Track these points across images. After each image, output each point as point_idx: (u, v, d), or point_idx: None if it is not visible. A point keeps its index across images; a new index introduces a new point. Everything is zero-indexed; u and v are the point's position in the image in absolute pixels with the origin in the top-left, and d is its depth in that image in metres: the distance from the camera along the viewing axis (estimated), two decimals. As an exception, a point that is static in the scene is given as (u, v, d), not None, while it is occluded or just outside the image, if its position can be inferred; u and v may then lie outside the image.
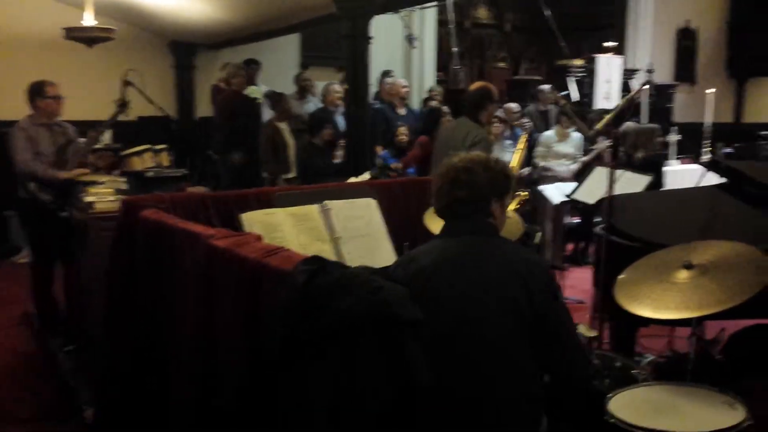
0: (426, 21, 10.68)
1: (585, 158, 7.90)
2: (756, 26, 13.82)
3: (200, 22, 7.97)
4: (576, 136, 7.98)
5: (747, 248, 2.56)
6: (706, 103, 9.82)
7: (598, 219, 7.51)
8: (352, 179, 3.88)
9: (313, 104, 8.52)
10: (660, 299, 2.48)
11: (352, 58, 6.09)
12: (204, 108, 9.50)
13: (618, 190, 4.54)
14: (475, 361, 1.94)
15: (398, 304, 1.51)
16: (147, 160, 5.18)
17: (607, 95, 10.68)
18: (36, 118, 5.04)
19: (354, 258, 2.82)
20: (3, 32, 8.14)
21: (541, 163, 7.57)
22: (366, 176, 3.98)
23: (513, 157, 4.93)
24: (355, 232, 2.92)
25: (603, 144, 8.02)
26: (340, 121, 7.53)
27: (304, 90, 8.36)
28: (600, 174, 4.63)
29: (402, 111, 8.30)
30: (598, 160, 8.07)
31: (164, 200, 2.77)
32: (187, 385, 2.26)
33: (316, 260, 1.62)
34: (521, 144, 4.98)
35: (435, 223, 3.10)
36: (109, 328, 2.91)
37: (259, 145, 7.19)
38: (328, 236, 2.84)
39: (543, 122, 8.71)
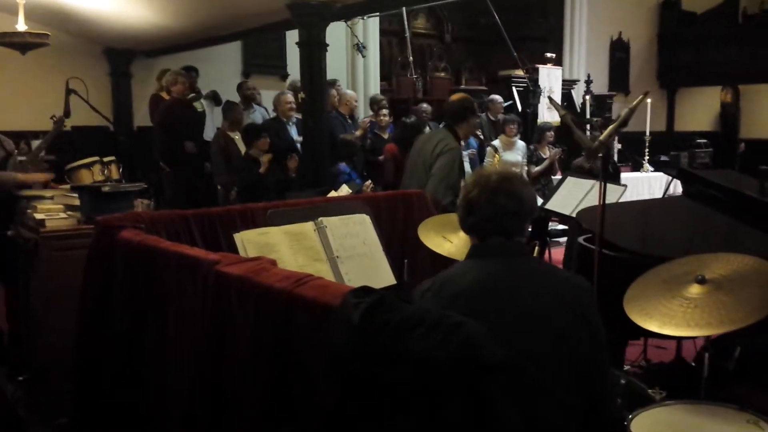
0: (369, 30, 10.56)
1: (539, 168, 7.94)
2: (683, 38, 14.34)
3: (139, 28, 7.62)
4: (521, 144, 8.03)
5: (758, 261, 2.51)
6: (647, 112, 10.03)
7: (559, 227, 7.61)
8: (333, 194, 3.71)
9: (259, 114, 8.28)
10: (675, 315, 2.40)
11: (308, 67, 5.91)
12: (142, 117, 9.11)
13: (590, 201, 4.56)
14: (524, 400, 1.76)
15: (484, 344, 1.29)
16: (96, 172, 4.84)
17: (549, 106, 10.80)
18: (-30, 129, 4.66)
19: (353, 278, 2.65)
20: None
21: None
22: (345, 190, 3.79)
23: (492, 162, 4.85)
24: (353, 250, 2.75)
25: (555, 151, 8.08)
26: (293, 132, 7.33)
27: (248, 99, 8.09)
28: (572, 184, 4.59)
29: (351, 121, 8.16)
30: (549, 170, 8.15)
31: (142, 219, 2.53)
32: (181, 423, 2.04)
33: (367, 291, 1.42)
34: (496, 159, 4.90)
35: (432, 238, 2.97)
36: (81, 359, 2.64)
37: (208, 155, 6.90)
38: (326, 256, 2.66)
39: (494, 132, 8.70)
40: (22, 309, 4.31)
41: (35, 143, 8.10)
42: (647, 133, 10.26)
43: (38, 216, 4.00)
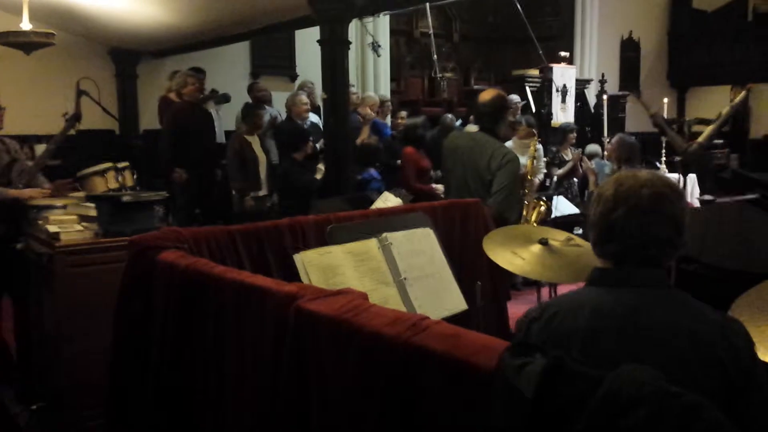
0: (380, 29, 10.26)
1: (562, 170, 7.66)
2: (694, 37, 14.10)
3: (146, 28, 7.30)
4: (539, 147, 7.74)
5: None
6: (663, 113, 9.76)
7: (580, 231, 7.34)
8: (379, 204, 3.39)
9: (269, 115, 7.97)
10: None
11: (330, 66, 5.61)
12: (148, 119, 8.81)
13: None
14: None
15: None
16: (110, 179, 4.53)
17: (564, 106, 10.54)
18: (-26, 134, 4.34)
19: (423, 303, 2.35)
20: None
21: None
22: (392, 200, 3.46)
23: (526, 165, 4.51)
24: (420, 271, 2.45)
25: (577, 155, 7.80)
26: (309, 134, 7.03)
27: (260, 101, 7.78)
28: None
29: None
30: (572, 173, 7.87)
31: (184, 237, 2.22)
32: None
33: (531, 349, 1.08)
34: (532, 150, 4.58)
35: (500, 253, 2.67)
36: (115, 391, 2.33)
37: (223, 160, 6.60)
38: (392, 278, 2.36)
39: (510, 133, 8.42)
40: (34, 328, 3.99)
41: (38, 147, 7.79)
42: (627, 134, 9.97)
43: (51, 228, 3.68)
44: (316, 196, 5.63)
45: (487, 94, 4.14)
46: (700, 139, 2.72)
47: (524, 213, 4.28)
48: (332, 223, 2.57)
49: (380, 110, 8.38)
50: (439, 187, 6.00)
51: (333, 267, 2.23)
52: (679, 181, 5.15)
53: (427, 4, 7.97)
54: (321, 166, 5.80)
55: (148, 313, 2.15)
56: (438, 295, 2.46)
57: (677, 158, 4.52)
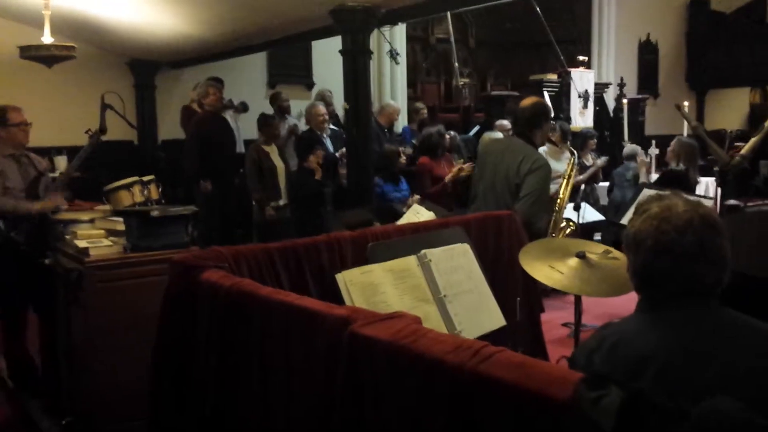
0: (397, 36, 10.24)
1: (583, 176, 7.59)
2: (712, 38, 13.99)
3: (167, 39, 7.32)
4: (566, 154, 7.67)
5: None
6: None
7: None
8: (410, 216, 3.36)
9: (288, 125, 7.97)
10: None
11: (352, 76, 5.59)
12: (167, 130, 8.84)
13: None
14: None
15: None
16: (136, 193, 4.52)
17: (582, 110, 10.48)
18: (1, 147, 4.34)
19: (462, 320, 2.32)
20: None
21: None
22: (424, 213, 3.42)
23: (561, 184, 4.44)
24: (459, 287, 2.41)
25: (601, 161, 7.75)
26: (328, 144, 7.01)
27: (284, 111, 7.77)
28: (647, 196, 4.22)
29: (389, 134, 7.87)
30: (594, 177, 7.80)
31: (224, 257, 2.19)
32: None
33: (606, 382, 1.04)
34: (569, 169, 4.51)
35: (538, 268, 2.63)
36: (156, 412, 2.30)
37: (243, 169, 6.61)
38: (432, 295, 2.33)
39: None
40: (62, 345, 3.98)
41: (58, 159, 7.82)
42: (685, 137, 9.88)
43: (80, 244, 3.67)
44: (329, 203, 5.65)
45: (528, 100, 4.18)
46: (743, 151, 2.66)
47: (551, 232, 4.25)
48: (368, 239, 2.54)
49: (415, 117, 8.42)
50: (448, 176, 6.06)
51: (374, 285, 2.20)
52: (716, 192, 5.11)
53: (448, 12, 7.96)
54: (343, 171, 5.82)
55: (190, 333, 2.13)
56: (477, 311, 2.42)
57: (715, 169, 4.48)
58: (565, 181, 4.39)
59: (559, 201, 4.32)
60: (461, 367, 1.23)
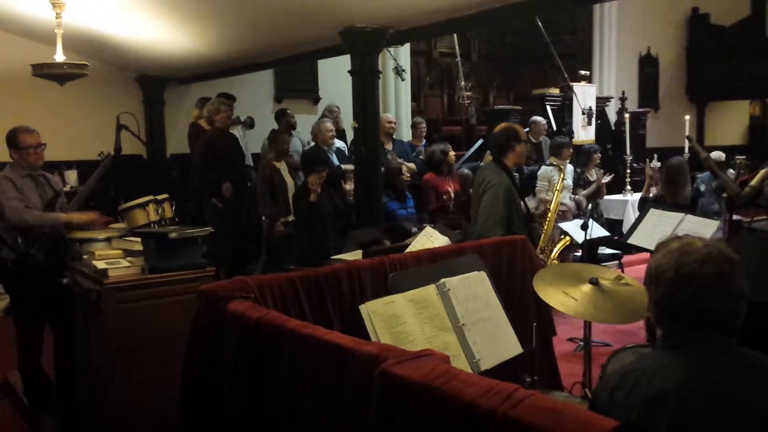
0: (401, 52, 10.33)
1: (586, 191, 7.68)
2: (712, 51, 14.10)
3: (176, 56, 7.41)
4: (570, 168, 7.74)
5: None
6: (685, 130, 9.78)
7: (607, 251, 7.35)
8: (423, 241, 3.43)
9: (297, 140, 8.05)
10: None
11: (361, 95, 5.68)
12: (175, 144, 8.93)
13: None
14: None
15: None
16: (151, 212, 4.59)
17: (584, 125, 10.55)
18: (18, 168, 4.41)
19: (481, 349, 2.39)
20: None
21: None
22: (440, 239, 3.48)
23: (552, 197, 4.63)
24: (477, 315, 2.49)
25: (604, 177, 7.84)
26: (334, 160, 7.09)
27: (292, 127, 7.86)
28: (656, 217, 4.31)
29: (389, 146, 7.90)
30: (597, 192, 7.88)
31: (250, 287, 2.27)
32: None
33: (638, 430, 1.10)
34: (560, 183, 4.68)
35: (552, 294, 2.70)
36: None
37: (252, 187, 6.68)
38: (451, 324, 2.40)
39: (536, 154, 8.45)
40: (80, 364, 4.05)
41: (68, 173, 7.90)
42: (686, 151, 9.97)
43: (99, 265, 3.74)
44: (328, 222, 5.73)
45: (499, 127, 4.49)
46: (753, 182, 2.71)
47: (542, 243, 4.47)
48: (386, 266, 2.62)
49: (415, 132, 8.51)
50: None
51: (396, 316, 2.28)
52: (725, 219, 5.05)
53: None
54: (349, 187, 5.89)
55: (218, 364, 2.19)
56: (495, 339, 2.50)
57: (724, 195, 4.51)
58: (554, 195, 4.60)
59: (549, 215, 4.55)
60: (493, 412, 1.30)
